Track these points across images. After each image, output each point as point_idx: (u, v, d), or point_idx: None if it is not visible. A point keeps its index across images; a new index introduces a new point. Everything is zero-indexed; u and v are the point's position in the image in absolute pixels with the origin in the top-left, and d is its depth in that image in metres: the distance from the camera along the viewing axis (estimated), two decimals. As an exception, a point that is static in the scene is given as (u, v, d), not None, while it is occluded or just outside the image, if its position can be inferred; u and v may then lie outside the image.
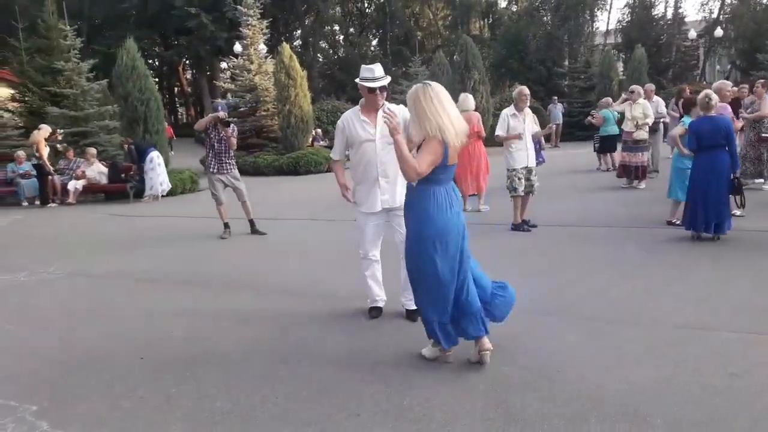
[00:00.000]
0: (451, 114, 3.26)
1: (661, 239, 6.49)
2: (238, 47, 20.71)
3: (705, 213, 6.09)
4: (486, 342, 3.42)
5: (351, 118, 4.28)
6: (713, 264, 5.44)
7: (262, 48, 20.28)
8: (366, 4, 47.24)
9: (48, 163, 12.72)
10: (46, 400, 3.29)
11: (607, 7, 39.94)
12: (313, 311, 4.66)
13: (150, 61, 39.31)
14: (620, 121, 10.91)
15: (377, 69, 4.17)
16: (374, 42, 47.61)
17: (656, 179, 10.55)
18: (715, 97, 6.22)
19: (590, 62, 29.05)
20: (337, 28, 48.17)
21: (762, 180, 9.13)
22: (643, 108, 10.09)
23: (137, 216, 10.74)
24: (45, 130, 12.90)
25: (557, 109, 21.99)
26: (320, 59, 45.78)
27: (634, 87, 10.64)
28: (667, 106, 11.63)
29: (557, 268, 5.60)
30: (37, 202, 12.93)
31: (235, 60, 20.43)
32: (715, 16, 37.70)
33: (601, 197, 9.83)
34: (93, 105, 15.45)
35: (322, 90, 37.18)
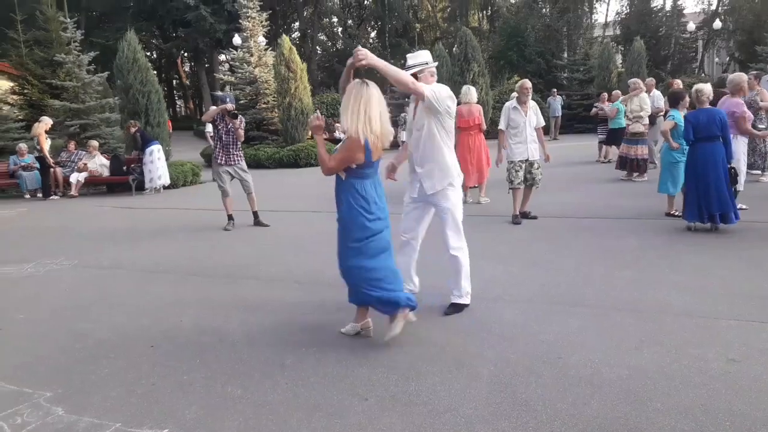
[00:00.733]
0: (373, 117, 3.53)
1: (660, 230, 6.57)
2: (237, 39, 20.67)
3: (707, 204, 6.16)
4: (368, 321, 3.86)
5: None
6: (712, 254, 5.52)
7: (262, 40, 20.24)
8: (364, -4, 47.11)
9: (49, 155, 12.76)
10: (60, 387, 3.36)
11: (607, -1, 39.87)
12: (318, 300, 4.74)
13: (148, 54, 39.21)
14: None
15: (412, 56, 4.20)
16: (373, 34, 47.48)
17: (654, 171, 10.61)
18: (706, 91, 6.30)
19: (589, 54, 29.05)
20: (335, 20, 48.03)
21: (759, 172, 9.20)
22: (640, 101, 10.17)
23: (140, 208, 10.80)
24: (45, 122, 12.92)
25: (556, 102, 22.03)
26: (319, 51, 45.69)
27: (633, 80, 10.74)
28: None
29: (558, 257, 5.67)
30: (39, 195, 12.97)
31: (235, 52, 20.39)
32: (714, 8, 37.66)
33: (600, 189, 9.90)
34: (94, 97, 15.46)
35: (321, 82, 37.13)
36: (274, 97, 18.95)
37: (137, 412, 3.05)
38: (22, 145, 13.40)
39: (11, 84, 18.20)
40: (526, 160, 7.37)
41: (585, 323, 3.93)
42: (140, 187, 12.75)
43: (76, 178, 12.85)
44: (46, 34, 17.82)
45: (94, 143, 13.55)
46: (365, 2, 46.84)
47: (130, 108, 13.79)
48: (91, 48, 18.39)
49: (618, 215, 7.51)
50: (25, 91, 17.63)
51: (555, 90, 23.20)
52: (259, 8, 20.05)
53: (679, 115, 6.97)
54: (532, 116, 7.37)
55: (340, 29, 48.58)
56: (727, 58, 37.72)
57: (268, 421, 2.89)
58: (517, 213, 7.47)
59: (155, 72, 26.18)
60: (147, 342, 4.01)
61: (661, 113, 11.09)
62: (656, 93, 11.35)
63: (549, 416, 2.78)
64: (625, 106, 10.92)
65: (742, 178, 7.00)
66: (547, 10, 35.70)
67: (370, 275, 3.64)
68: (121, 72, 13.80)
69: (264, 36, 20.47)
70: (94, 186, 13.66)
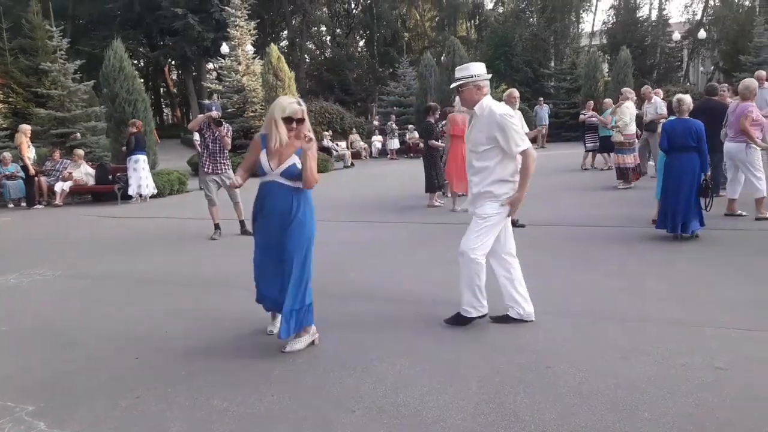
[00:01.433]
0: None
1: (647, 238, 6.61)
2: (225, 48, 20.68)
3: (674, 213, 6.23)
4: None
5: None
6: (697, 262, 5.56)
7: (250, 49, 20.25)
8: (353, 5, 47.25)
9: (31, 164, 12.61)
10: (43, 401, 3.31)
11: (593, 8, 40.42)
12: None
13: (135, 62, 39.08)
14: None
15: (459, 69, 4.07)
16: (361, 43, 47.63)
17: (646, 180, 10.69)
18: (686, 101, 6.37)
19: (576, 64, 29.31)
20: (324, 29, 48.12)
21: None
22: (620, 112, 10.34)
23: (126, 217, 10.71)
24: (23, 130, 12.69)
25: (543, 111, 22.20)
26: (307, 60, 45.72)
27: (624, 89, 10.92)
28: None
29: (546, 266, 5.68)
30: (24, 204, 12.83)
31: (223, 61, 20.39)
32: (698, 18, 38.19)
33: (588, 197, 9.96)
34: (79, 106, 15.35)
35: (309, 91, 37.15)
36: (261, 105, 18.95)
37: (121, 425, 3.01)
38: (6, 154, 13.29)
39: (-5, 92, 18.07)
40: None
41: (573, 333, 3.93)
42: (126, 196, 12.65)
43: (60, 187, 12.73)
44: (32, 42, 17.76)
45: (80, 152, 13.45)
46: (354, 11, 47.02)
47: (116, 117, 13.73)
48: (77, 56, 18.31)
49: (606, 223, 7.55)
50: (10, 99, 17.53)
51: (542, 99, 23.36)
52: (247, 17, 20.09)
53: None
54: (523, 124, 7.43)
55: (328, 38, 48.68)
56: (712, 68, 38.23)
57: (254, 435, 2.85)
58: None
59: (142, 80, 26.08)
60: (132, 354, 3.96)
61: (663, 120, 11.21)
62: (657, 100, 11.45)
63: (537, 427, 2.77)
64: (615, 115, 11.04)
65: (763, 185, 7.10)
66: (535, 19, 36.04)
67: None
68: (108, 80, 13.74)
69: (252, 44, 20.50)
70: (79, 195, 13.54)
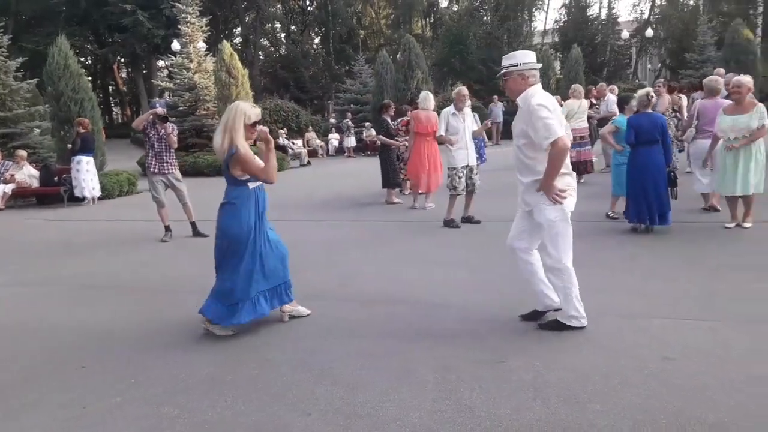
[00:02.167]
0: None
1: (602, 232, 6.75)
2: (176, 45, 20.20)
3: (648, 205, 6.37)
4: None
5: None
6: (651, 255, 5.70)
7: (202, 46, 19.83)
8: (308, 2, 46.89)
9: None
10: (-19, 415, 3.14)
11: (545, 7, 41.23)
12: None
13: (82, 60, 37.80)
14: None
15: (505, 57, 3.90)
16: (317, 40, 47.32)
17: (596, 175, 10.93)
18: (654, 97, 6.56)
19: (529, 62, 29.78)
20: (278, 25, 47.61)
21: None
22: (579, 107, 10.58)
23: (73, 220, 10.32)
24: None
25: (498, 108, 22.47)
26: (261, 57, 45.15)
27: (573, 86, 11.15)
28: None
29: (503, 261, 5.71)
30: (-38, 208, 12.21)
31: (174, 58, 19.91)
32: (646, 16, 39.45)
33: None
34: (22, 105, 14.72)
35: (264, 88, 36.68)
36: (214, 103, 18.60)
37: (65, 438, 2.88)
38: (-58, 157, 12.62)
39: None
40: (467, 166, 7.46)
41: (528, 326, 3.97)
42: (74, 198, 12.17)
43: (2, 189, 12.16)
44: (-30, 39, 16.88)
45: (22, 153, 12.87)
46: (309, 8, 46.67)
47: (61, 116, 13.22)
48: (19, 53, 17.59)
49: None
50: (-54, 98, 16.62)
51: (497, 96, 23.65)
52: (198, 13, 19.64)
53: (624, 119, 7.20)
54: (470, 122, 7.50)
55: (283, 35, 48.18)
56: (659, 65, 39.55)
57: (206, 442, 2.77)
58: (452, 218, 7.54)
59: (89, 78, 25.24)
60: (78, 363, 3.80)
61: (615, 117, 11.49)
62: (610, 97, 11.71)
63: (492, 422, 2.77)
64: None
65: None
66: (488, 18, 36.53)
67: None
68: (52, 78, 13.21)
69: (204, 41, 20.08)
70: (22, 198, 12.95)
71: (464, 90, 7.63)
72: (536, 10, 39.75)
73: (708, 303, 4.23)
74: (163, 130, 7.50)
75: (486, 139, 11.28)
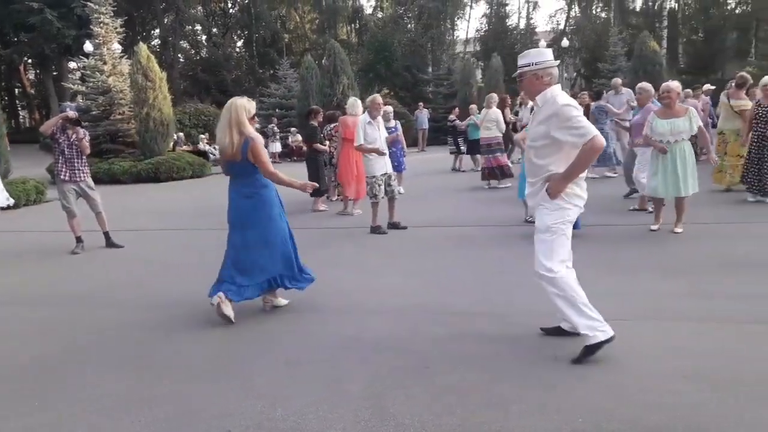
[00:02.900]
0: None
1: (524, 236, 6.90)
2: (88, 46, 19.24)
3: None
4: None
5: None
6: (575, 256, 5.86)
7: (117, 47, 18.98)
8: (230, 5, 45.95)
9: None
10: None
11: (467, 16, 42.42)
12: (174, 325, 4.43)
13: (-16, 60, 35.38)
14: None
15: (521, 56, 3.65)
16: (239, 43, 46.44)
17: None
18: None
19: (452, 70, 30.49)
20: (199, 28, 46.34)
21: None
22: (485, 116, 11.11)
23: (-28, 232, 9.58)
24: None
25: (423, 115, 22.84)
26: (181, 59, 43.80)
27: (489, 95, 11.65)
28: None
29: (429, 267, 5.79)
30: None
31: (86, 60, 18.95)
32: (561, 27, 41.34)
33: (465, 197, 10.34)
34: None
35: (184, 91, 35.59)
36: (130, 107, 17.86)
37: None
38: None
39: None
40: (385, 174, 7.50)
41: (452, 330, 4.01)
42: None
43: None
44: None
45: None
46: (231, 11, 45.73)
47: (-42, 120, 12.25)
48: None
49: (484, 223, 7.85)
50: None
51: (422, 103, 24.03)
52: (112, 14, 18.79)
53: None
54: (384, 131, 7.57)
55: (204, 37, 46.94)
56: (575, 74, 41.47)
57: (116, 467, 2.61)
58: (378, 224, 7.57)
59: (-8, 80, 23.57)
60: (-28, 388, 3.50)
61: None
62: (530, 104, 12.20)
63: (416, 429, 2.77)
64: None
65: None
66: (412, 25, 37.08)
67: None
68: (-53, 79, 12.24)
69: (119, 43, 19.22)
70: None
71: (378, 98, 7.61)
72: (458, 19, 40.92)
73: (618, 301, 4.41)
74: (74, 135, 7.10)
75: (405, 148, 11.40)
